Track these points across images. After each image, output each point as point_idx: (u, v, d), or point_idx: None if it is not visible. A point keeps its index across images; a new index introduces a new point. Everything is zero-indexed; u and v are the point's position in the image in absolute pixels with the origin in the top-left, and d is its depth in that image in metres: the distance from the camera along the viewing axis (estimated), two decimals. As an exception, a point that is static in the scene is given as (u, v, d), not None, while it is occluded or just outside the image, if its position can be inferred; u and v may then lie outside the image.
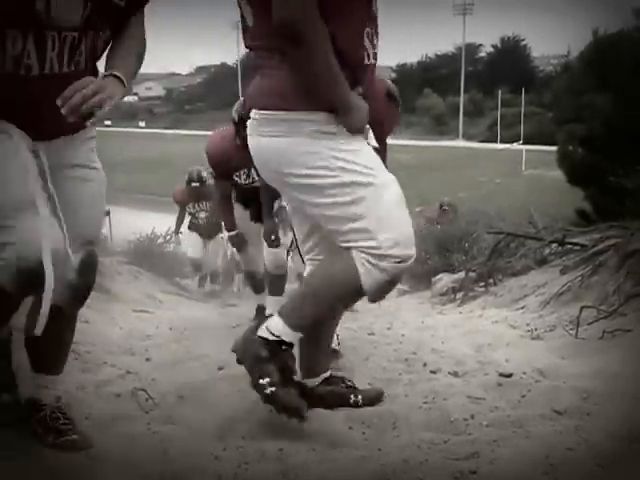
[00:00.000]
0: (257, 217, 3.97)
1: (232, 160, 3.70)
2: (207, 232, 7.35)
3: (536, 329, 3.36)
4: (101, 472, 1.64)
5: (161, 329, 4.04)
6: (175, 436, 1.86)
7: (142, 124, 56.34)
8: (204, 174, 6.81)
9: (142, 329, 3.94)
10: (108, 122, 47.29)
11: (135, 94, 68.93)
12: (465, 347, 3.01)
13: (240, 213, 4.07)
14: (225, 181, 3.92)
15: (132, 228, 9.48)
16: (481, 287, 4.82)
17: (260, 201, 3.76)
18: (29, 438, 1.78)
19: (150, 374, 2.64)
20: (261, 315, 3.97)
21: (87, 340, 3.28)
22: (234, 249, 4.39)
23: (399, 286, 6.07)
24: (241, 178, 3.88)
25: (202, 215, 7.36)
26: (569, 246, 4.64)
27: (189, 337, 3.71)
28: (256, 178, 3.69)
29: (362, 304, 4.51)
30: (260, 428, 1.91)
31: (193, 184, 6.98)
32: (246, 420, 1.99)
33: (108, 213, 9.27)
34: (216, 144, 3.84)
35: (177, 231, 8.21)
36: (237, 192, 4.03)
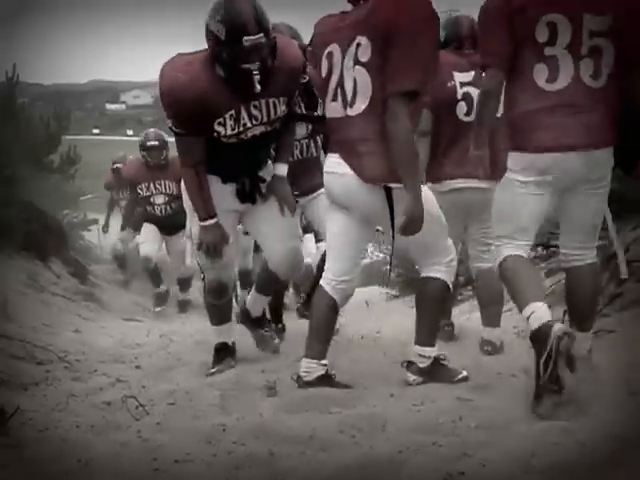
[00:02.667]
0: (249, 196, 2.74)
1: (210, 97, 2.43)
2: (168, 224, 5.45)
3: (523, 331, 3.39)
4: None
5: (151, 337, 4.04)
6: (165, 443, 1.87)
7: (130, 132, 56.12)
8: (163, 134, 5.30)
9: (132, 337, 3.94)
10: (96, 131, 47.08)
11: (123, 102, 68.68)
12: (453, 349, 3.03)
13: (218, 189, 2.68)
14: (197, 136, 2.54)
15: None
16: (468, 291, 4.85)
17: (256, 173, 2.72)
18: (18, 446, 1.78)
19: (140, 382, 2.65)
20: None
21: (78, 349, 3.29)
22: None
23: (388, 291, 6.10)
24: (226, 126, 2.50)
25: (159, 200, 5.42)
26: (553, 249, 4.69)
27: (179, 344, 3.72)
28: (254, 123, 2.52)
29: (352, 309, 4.55)
30: (250, 433, 1.92)
31: (150, 143, 5.26)
32: (236, 425, 2.00)
33: (97, 222, 9.24)
34: (178, 69, 2.48)
35: (105, 227, 6.89)
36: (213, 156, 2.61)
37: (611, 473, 1.50)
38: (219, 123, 2.48)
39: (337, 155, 2.30)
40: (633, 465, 1.51)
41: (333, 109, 2.31)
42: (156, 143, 5.27)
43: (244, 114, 2.50)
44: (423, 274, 2.46)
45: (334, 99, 2.29)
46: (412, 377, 2.44)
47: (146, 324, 4.78)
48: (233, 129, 2.51)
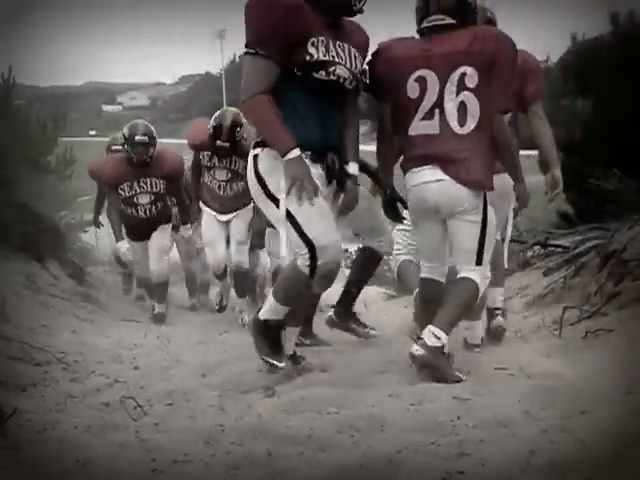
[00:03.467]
0: (338, 175, 2.60)
1: (307, 11, 2.44)
2: (147, 227, 4.99)
3: (521, 330, 3.40)
4: (91, 480, 1.65)
5: (149, 338, 4.04)
6: (164, 443, 1.87)
7: (127, 133, 55.70)
8: (152, 129, 4.94)
9: (130, 338, 3.94)
10: (93, 132, 46.99)
11: (119, 104, 68.64)
12: (451, 349, 3.03)
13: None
14: (280, 60, 2.42)
15: (118, 237, 9.39)
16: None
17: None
18: (16, 447, 1.78)
19: (138, 382, 2.65)
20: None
21: (75, 349, 3.28)
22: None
23: (385, 290, 6.10)
24: (319, 50, 2.45)
25: (144, 200, 4.89)
26: (551, 248, 4.72)
27: (177, 345, 3.71)
28: (340, 61, 2.49)
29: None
30: (249, 433, 1.92)
31: (139, 138, 4.74)
32: (234, 426, 2.00)
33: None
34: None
35: (97, 222, 6.31)
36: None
37: (610, 472, 1.50)
38: (312, 44, 2.42)
39: (430, 166, 2.57)
40: (632, 463, 1.51)
41: (424, 127, 2.59)
42: (145, 139, 4.76)
43: (332, 46, 2.47)
44: (461, 275, 2.62)
45: (427, 118, 2.58)
46: (417, 349, 2.46)
47: (144, 325, 4.77)
48: (324, 55, 2.43)
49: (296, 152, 2.39)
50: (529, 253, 4.94)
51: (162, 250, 5.10)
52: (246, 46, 2.42)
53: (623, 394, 2.00)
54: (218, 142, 4.56)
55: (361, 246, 3.50)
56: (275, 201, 2.45)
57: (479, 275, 2.61)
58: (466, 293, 2.61)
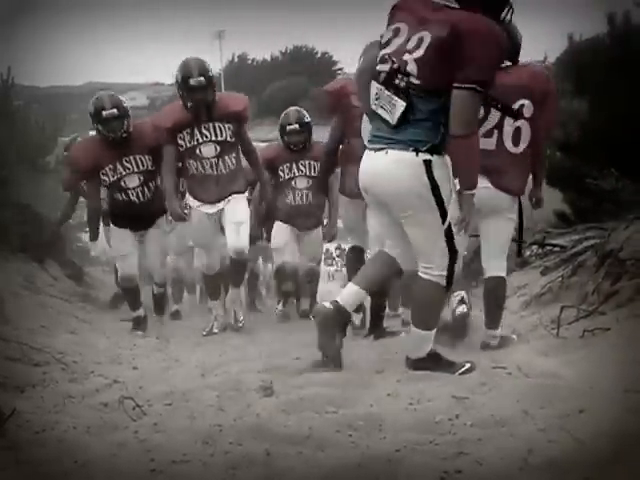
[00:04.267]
0: None
1: None
2: (145, 215, 4.27)
3: (518, 329, 3.41)
4: (90, 480, 1.65)
5: (147, 338, 4.04)
6: (162, 443, 1.87)
7: (125, 134, 55.50)
8: (121, 99, 4.31)
9: (129, 338, 3.94)
10: (92, 133, 46.95)
11: (118, 104, 68.47)
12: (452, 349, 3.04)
13: None
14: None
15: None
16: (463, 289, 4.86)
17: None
18: (15, 448, 1.78)
19: (137, 382, 2.65)
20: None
21: (74, 350, 3.29)
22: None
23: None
24: None
25: (133, 182, 4.18)
26: (549, 247, 4.73)
27: (176, 345, 3.72)
28: None
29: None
30: (247, 433, 1.92)
31: (107, 112, 4.10)
32: (233, 426, 2.00)
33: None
34: None
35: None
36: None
37: (609, 470, 1.50)
38: None
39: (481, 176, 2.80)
40: (631, 462, 1.51)
41: (483, 143, 2.79)
42: (115, 112, 4.07)
43: None
44: (489, 274, 3.12)
45: (487, 136, 2.99)
46: (492, 342, 3.16)
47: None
48: None
49: (474, 190, 2.58)
50: (527, 252, 4.95)
51: (162, 252, 4.66)
52: (475, 82, 2.42)
53: (621, 393, 2.00)
54: (191, 81, 3.83)
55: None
56: (441, 209, 2.54)
57: (504, 269, 3.17)
58: (502, 291, 3.19)
